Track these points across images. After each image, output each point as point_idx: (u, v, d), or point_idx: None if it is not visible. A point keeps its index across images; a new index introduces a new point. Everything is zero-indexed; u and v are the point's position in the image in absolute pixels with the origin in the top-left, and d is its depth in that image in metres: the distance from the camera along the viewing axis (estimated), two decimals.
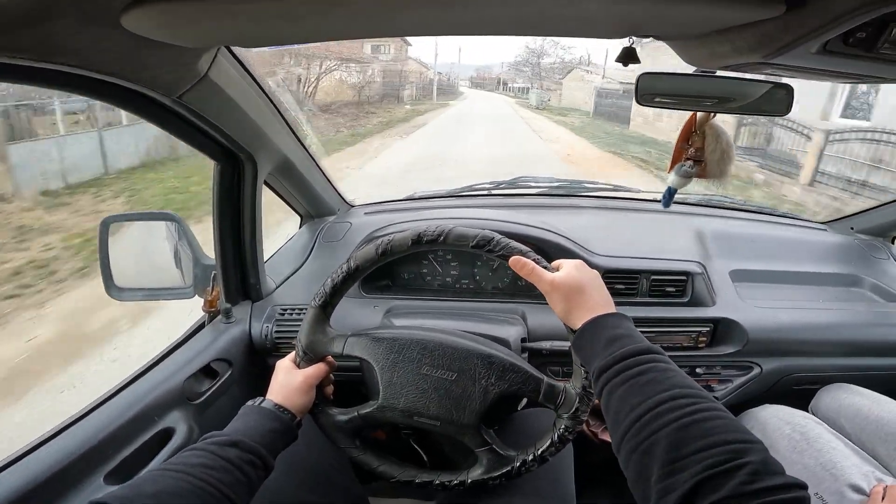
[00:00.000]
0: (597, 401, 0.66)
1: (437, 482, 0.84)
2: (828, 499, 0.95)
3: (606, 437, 1.23)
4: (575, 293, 0.71)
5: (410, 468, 0.87)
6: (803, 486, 0.47)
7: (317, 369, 0.83)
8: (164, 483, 0.58)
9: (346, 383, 1.08)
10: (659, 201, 1.60)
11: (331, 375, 0.87)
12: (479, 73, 77.14)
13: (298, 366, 0.83)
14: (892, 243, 1.59)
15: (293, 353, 0.85)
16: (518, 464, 0.80)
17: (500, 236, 0.77)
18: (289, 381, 0.80)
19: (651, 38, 0.68)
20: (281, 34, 0.63)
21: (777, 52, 0.58)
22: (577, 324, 0.70)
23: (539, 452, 0.79)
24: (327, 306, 0.83)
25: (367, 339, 0.84)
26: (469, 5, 0.56)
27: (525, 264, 0.75)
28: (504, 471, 0.80)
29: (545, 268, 0.75)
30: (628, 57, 0.66)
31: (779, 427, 1.12)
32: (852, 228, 1.61)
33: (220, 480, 0.61)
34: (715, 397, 1.24)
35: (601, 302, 0.71)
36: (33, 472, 0.71)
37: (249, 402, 0.77)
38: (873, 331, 1.28)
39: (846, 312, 1.31)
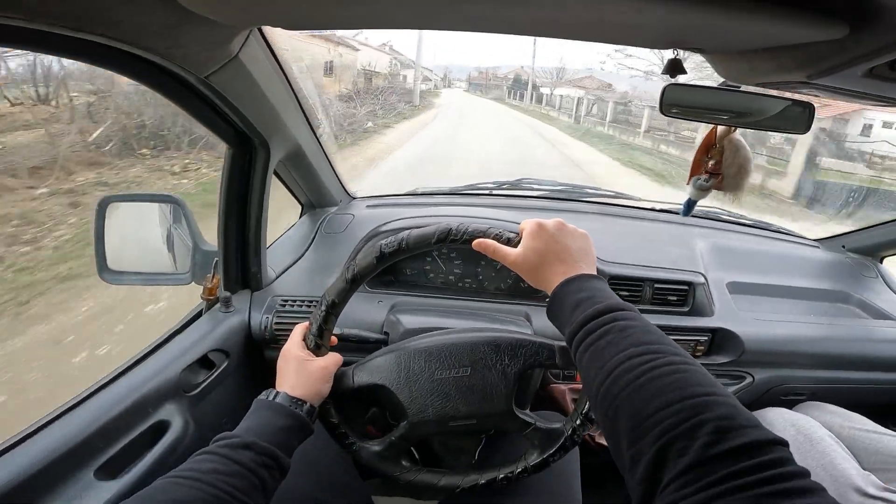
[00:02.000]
0: (598, 440, 0.64)
1: (501, 476, 0.81)
2: None
3: (603, 441, 1.24)
4: (538, 265, 0.68)
5: (470, 472, 0.84)
6: (782, 443, 0.40)
7: (335, 358, 0.80)
8: (175, 492, 0.56)
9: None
10: (660, 210, 1.62)
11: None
12: (483, 71, 65.84)
13: (313, 353, 0.79)
14: (881, 263, 1.64)
15: (297, 338, 0.81)
16: (569, 432, 0.79)
17: (458, 223, 0.74)
18: (306, 369, 0.76)
19: (692, 52, 0.67)
20: (323, 17, 0.61)
21: (824, 73, 0.58)
22: (549, 291, 0.66)
23: (584, 412, 0.78)
24: (321, 347, 0.79)
25: (371, 364, 0.82)
26: (520, 5, 0.55)
27: (487, 245, 0.71)
28: (559, 444, 0.79)
29: (508, 241, 0.71)
30: (674, 69, 0.65)
31: (784, 428, 1.15)
32: (843, 247, 1.66)
33: (234, 486, 0.58)
34: None
35: (568, 265, 0.66)
36: (20, 466, 0.67)
37: (262, 396, 0.73)
38: (859, 345, 1.33)
39: (835, 327, 1.35)
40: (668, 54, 0.67)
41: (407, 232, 0.75)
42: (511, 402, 0.78)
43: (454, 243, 0.74)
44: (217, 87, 0.76)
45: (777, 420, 1.20)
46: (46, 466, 0.69)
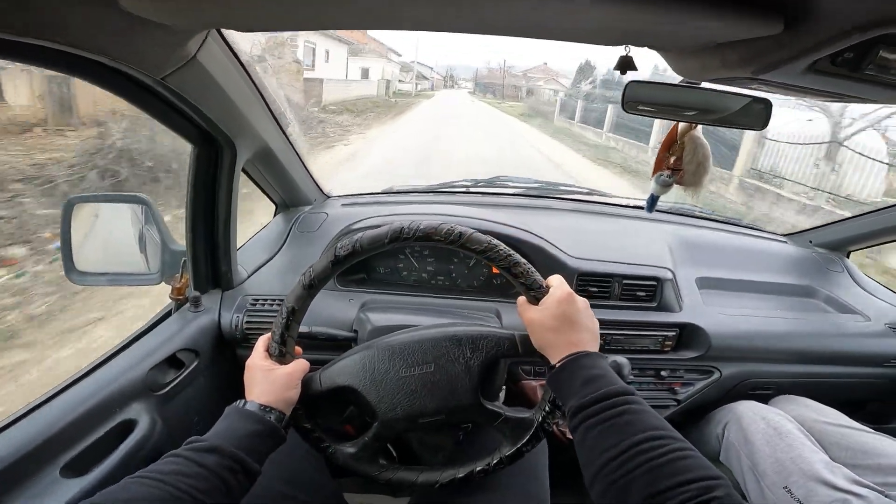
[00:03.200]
0: (569, 436, 0.67)
1: (478, 469, 0.81)
2: (796, 491, 1.00)
3: None
4: (552, 330, 0.72)
5: (447, 467, 0.84)
6: None
7: (300, 364, 0.80)
8: (135, 491, 0.57)
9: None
10: (633, 206, 1.64)
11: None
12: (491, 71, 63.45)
13: (278, 362, 0.79)
14: (847, 258, 1.67)
15: (260, 349, 0.81)
16: (540, 419, 0.79)
17: (410, 221, 0.75)
18: (271, 377, 0.76)
19: (645, 48, 0.69)
20: (277, 19, 0.61)
21: (766, 68, 0.60)
22: (554, 359, 0.71)
23: (551, 400, 0.78)
24: (285, 355, 0.79)
25: (337, 367, 0.82)
26: (466, 4, 0.56)
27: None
28: (530, 434, 0.79)
29: (530, 286, 0.75)
30: (625, 66, 0.66)
31: (754, 420, 1.17)
32: (811, 242, 1.69)
33: (193, 487, 0.59)
34: (677, 399, 1.30)
35: (578, 339, 0.71)
36: None
37: (234, 405, 0.73)
38: (824, 341, 1.35)
39: (801, 322, 1.37)
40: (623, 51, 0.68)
41: (360, 234, 0.75)
42: (477, 394, 0.79)
43: (407, 241, 0.74)
44: (175, 88, 0.75)
45: (746, 413, 1.22)
46: (12, 464, 0.69)
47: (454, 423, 0.84)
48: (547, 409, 0.79)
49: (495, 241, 0.74)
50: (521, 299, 0.77)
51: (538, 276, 0.76)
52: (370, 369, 0.80)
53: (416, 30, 0.63)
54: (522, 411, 0.82)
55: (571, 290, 0.75)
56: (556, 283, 0.76)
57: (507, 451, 0.81)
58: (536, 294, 0.75)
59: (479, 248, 0.74)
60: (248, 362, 0.80)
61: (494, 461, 0.81)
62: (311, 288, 0.77)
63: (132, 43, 0.61)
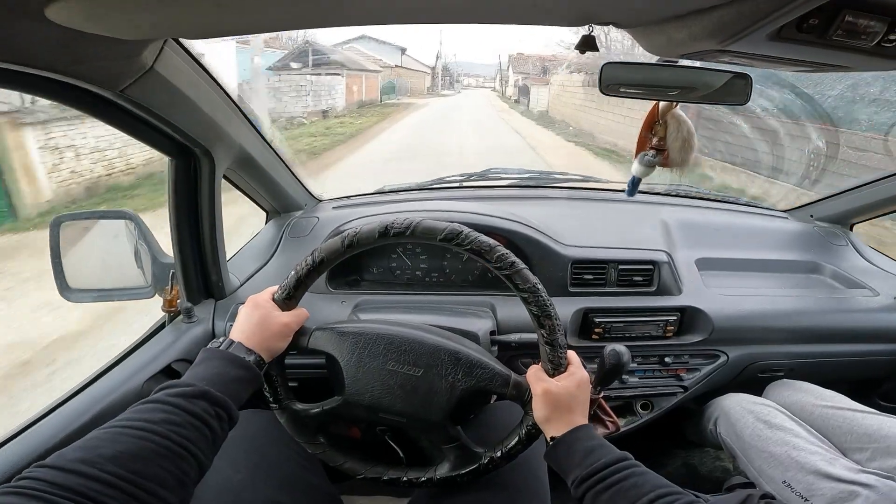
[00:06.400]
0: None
1: (406, 479, 0.83)
2: (795, 486, 0.97)
3: None
4: (560, 408, 0.73)
5: (378, 465, 0.86)
6: None
7: (298, 315, 0.80)
8: (124, 444, 0.52)
9: (314, 379, 1.06)
10: None
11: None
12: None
13: (280, 307, 0.79)
14: (851, 230, 1.63)
15: (267, 290, 0.82)
16: (486, 461, 0.79)
17: (469, 230, 0.75)
18: (267, 323, 0.75)
19: (610, 26, 0.67)
20: (221, 25, 0.59)
21: (732, 38, 0.57)
22: (552, 433, 0.73)
23: (507, 449, 0.79)
24: (291, 299, 0.81)
25: (332, 333, 0.82)
26: None
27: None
28: (471, 468, 0.80)
29: (552, 353, 0.76)
30: (587, 45, 0.65)
31: (742, 416, 1.14)
32: (812, 216, 1.65)
33: (186, 437, 0.56)
34: (684, 386, 1.28)
35: (578, 418, 0.74)
36: None
37: (213, 345, 0.71)
38: (834, 317, 1.31)
39: (807, 299, 1.34)
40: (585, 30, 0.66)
41: (418, 220, 0.76)
42: (447, 415, 0.78)
43: (459, 247, 0.75)
44: (137, 101, 0.74)
45: (734, 408, 1.19)
46: (7, 479, 0.70)
47: (409, 430, 0.84)
48: (499, 454, 0.79)
49: (540, 287, 0.75)
50: (536, 368, 0.78)
51: (564, 353, 0.76)
52: (361, 350, 0.80)
53: (366, 23, 0.61)
54: (476, 445, 0.82)
55: (587, 374, 0.78)
56: (576, 363, 0.78)
57: (442, 472, 0.81)
58: (556, 371, 0.76)
59: (524, 287, 0.75)
60: (253, 297, 0.80)
61: (423, 478, 0.82)
62: (350, 248, 0.78)
63: (78, 56, 0.60)
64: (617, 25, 0.66)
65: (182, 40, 0.75)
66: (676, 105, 0.95)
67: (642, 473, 0.65)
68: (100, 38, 0.56)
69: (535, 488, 0.90)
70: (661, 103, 0.95)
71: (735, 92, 0.89)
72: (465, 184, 1.69)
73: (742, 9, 0.52)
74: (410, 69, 36.67)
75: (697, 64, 0.86)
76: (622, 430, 1.25)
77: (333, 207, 1.50)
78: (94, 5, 0.48)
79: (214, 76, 0.88)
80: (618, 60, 0.89)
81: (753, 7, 0.51)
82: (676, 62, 0.87)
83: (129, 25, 0.55)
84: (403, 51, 35.11)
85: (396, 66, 32.16)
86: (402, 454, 1.17)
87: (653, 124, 0.97)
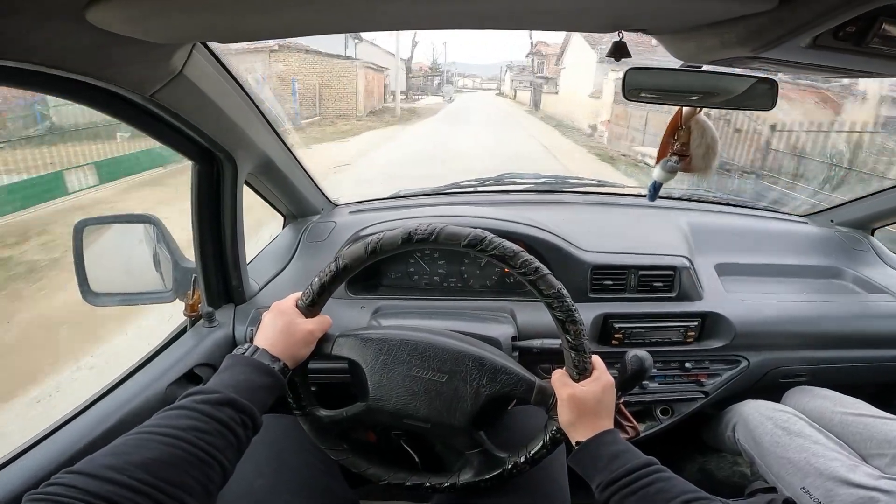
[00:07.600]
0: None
1: (428, 484, 0.83)
2: (814, 493, 0.96)
3: None
4: (586, 412, 0.74)
5: (400, 470, 0.86)
6: None
7: (322, 322, 0.80)
8: (152, 451, 0.53)
9: (335, 385, 1.07)
10: (644, 196, 1.61)
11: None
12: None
13: (304, 313, 0.79)
14: (872, 235, 1.61)
15: (290, 297, 0.82)
16: (509, 466, 0.79)
17: (493, 235, 0.75)
18: (291, 330, 0.75)
19: (639, 33, 0.67)
20: (256, 28, 0.60)
21: (767, 46, 0.57)
22: (577, 438, 0.73)
23: (531, 454, 0.79)
24: (315, 306, 0.81)
25: (355, 339, 0.82)
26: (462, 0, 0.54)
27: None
28: (495, 473, 0.80)
29: (576, 358, 0.75)
30: (618, 51, 0.65)
31: (761, 422, 1.13)
32: (832, 221, 1.63)
33: (212, 445, 0.56)
34: (704, 392, 1.27)
35: (603, 422, 0.74)
36: (12, 483, 0.69)
37: (237, 350, 0.72)
38: (857, 322, 1.30)
39: (830, 304, 1.32)
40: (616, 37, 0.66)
41: (441, 226, 0.76)
42: (471, 420, 0.78)
43: (483, 253, 0.75)
44: (166, 105, 0.75)
45: (753, 414, 1.18)
46: (35, 483, 0.70)
47: (433, 436, 0.84)
48: (523, 459, 0.79)
49: (565, 292, 0.75)
50: (560, 372, 0.78)
51: (589, 358, 0.76)
52: (385, 357, 0.80)
53: (398, 28, 0.62)
54: (499, 451, 0.82)
55: (612, 378, 0.77)
56: (601, 368, 0.78)
57: (465, 477, 0.81)
58: (582, 375, 0.76)
59: (548, 292, 0.74)
60: (276, 303, 0.80)
61: (447, 483, 0.82)
62: (373, 254, 0.78)
63: (111, 60, 0.60)
64: (647, 32, 0.66)
65: (211, 46, 0.76)
66: (700, 110, 0.94)
67: (669, 478, 0.65)
68: (133, 42, 0.57)
69: (555, 493, 0.89)
70: (685, 109, 0.95)
71: (760, 97, 0.89)
72: (480, 188, 1.69)
73: (780, 17, 0.52)
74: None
75: (722, 69, 0.86)
76: (642, 434, 1.25)
77: (350, 212, 1.51)
78: (132, 8, 0.49)
79: (240, 81, 0.88)
80: (642, 66, 0.88)
81: (792, 15, 0.51)
82: (700, 67, 0.87)
83: (165, 28, 0.56)
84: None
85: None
86: (417, 458, 1.18)
87: (675, 130, 0.96)
